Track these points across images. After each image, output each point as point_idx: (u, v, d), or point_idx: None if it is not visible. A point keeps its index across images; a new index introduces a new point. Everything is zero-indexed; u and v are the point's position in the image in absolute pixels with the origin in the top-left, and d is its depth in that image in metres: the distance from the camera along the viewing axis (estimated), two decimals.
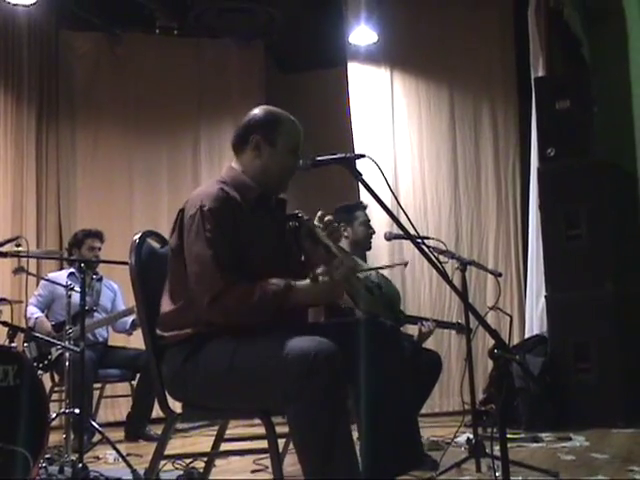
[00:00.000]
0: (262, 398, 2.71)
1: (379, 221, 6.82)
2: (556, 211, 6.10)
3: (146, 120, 8.36)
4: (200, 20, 8.00)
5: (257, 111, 3.09)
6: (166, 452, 2.98)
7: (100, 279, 6.41)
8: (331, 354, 2.57)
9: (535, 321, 6.46)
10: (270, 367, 2.63)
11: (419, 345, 5.13)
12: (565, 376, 5.90)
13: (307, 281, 2.78)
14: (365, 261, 5.31)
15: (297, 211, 3.03)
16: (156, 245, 3.21)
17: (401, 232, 2.82)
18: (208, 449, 3.37)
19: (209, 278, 2.75)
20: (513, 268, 7.30)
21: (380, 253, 7.18)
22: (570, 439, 5.05)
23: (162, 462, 3.06)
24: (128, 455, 4.74)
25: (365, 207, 5.21)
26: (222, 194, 2.87)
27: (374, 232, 5.15)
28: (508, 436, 2.76)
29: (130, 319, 6.19)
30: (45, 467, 4.13)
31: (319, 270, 2.77)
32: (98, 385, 6.28)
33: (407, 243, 6.70)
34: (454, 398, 7.05)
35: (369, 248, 5.23)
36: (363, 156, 2.82)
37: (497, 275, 4.75)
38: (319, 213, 3.01)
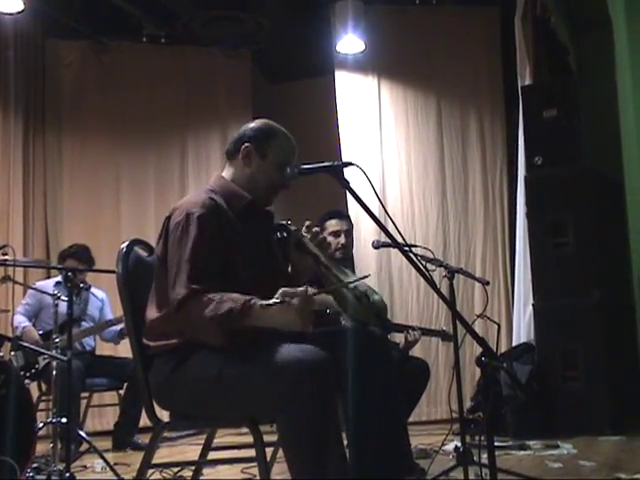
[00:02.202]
0: (250, 407, 2.69)
1: (367, 229, 6.86)
2: (543, 219, 6.12)
3: (133, 129, 8.33)
4: (187, 28, 8.01)
5: (255, 122, 3.10)
6: (153, 461, 2.96)
7: (88, 288, 6.36)
8: (320, 362, 2.56)
9: (523, 329, 6.46)
10: (259, 376, 2.62)
11: (406, 353, 5.12)
12: (552, 384, 5.91)
13: (274, 301, 2.61)
14: (353, 271, 5.29)
15: (285, 221, 3.03)
16: (143, 254, 3.20)
17: (389, 240, 2.80)
18: (196, 458, 3.36)
19: (181, 284, 2.71)
20: (501, 276, 7.31)
21: (368, 261, 7.19)
22: (557, 447, 5.05)
23: (150, 471, 3.04)
24: (115, 464, 4.73)
25: (342, 217, 5.12)
26: (210, 202, 2.86)
27: (346, 243, 5.04)
28: (496, 444, 2.76)
29: (118, 328, 6.16)
30: (32, 476, 4.12)
31: (277, 295, 2.60)
32: (85, 394, 6.27)
33: (395, 251, 6.69)
34: (442, 406, 7.06)
35: (340, 259, 5.14)
36: (350, 164, 2.80)
37: (485, 283, 4.73)
38: (307, 223, 3.00)
